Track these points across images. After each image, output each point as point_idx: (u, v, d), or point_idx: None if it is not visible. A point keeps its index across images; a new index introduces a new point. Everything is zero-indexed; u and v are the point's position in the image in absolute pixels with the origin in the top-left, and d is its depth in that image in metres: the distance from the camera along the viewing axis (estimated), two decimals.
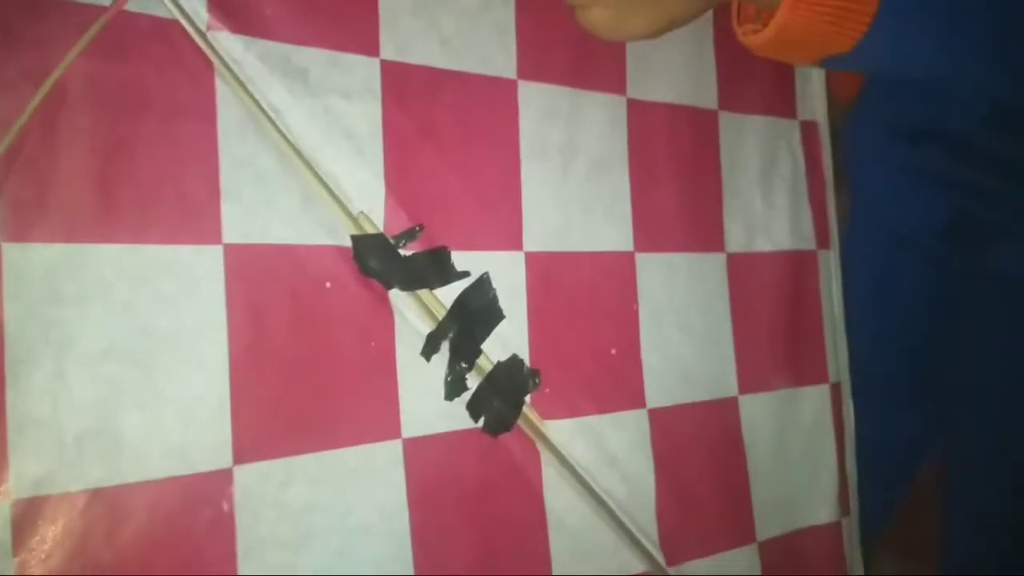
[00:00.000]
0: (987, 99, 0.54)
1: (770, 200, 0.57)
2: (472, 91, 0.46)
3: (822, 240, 0.60)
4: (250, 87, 0.39)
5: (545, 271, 0.47)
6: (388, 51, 0.43)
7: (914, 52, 0.45)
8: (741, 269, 0.56)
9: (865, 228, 0.69)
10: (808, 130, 0.60)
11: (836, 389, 0.59)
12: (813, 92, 0.60)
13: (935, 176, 0.59)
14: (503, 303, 0.46)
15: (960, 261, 0.61)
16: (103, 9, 0.36)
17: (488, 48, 0.46)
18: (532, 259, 0.47)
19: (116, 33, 0.36)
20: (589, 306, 0.49)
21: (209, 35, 0.38)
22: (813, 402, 0.58)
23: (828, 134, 0.61)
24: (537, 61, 0.48)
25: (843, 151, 0.73)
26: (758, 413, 0.55)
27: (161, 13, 0.37)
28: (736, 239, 0.56)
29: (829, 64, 0.46)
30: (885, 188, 0.64)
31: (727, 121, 0.56)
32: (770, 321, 0.57)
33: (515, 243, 0.47)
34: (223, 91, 0.38)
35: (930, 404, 0.67)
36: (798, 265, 0.58)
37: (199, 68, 0.38)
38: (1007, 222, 0.56)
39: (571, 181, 0.49)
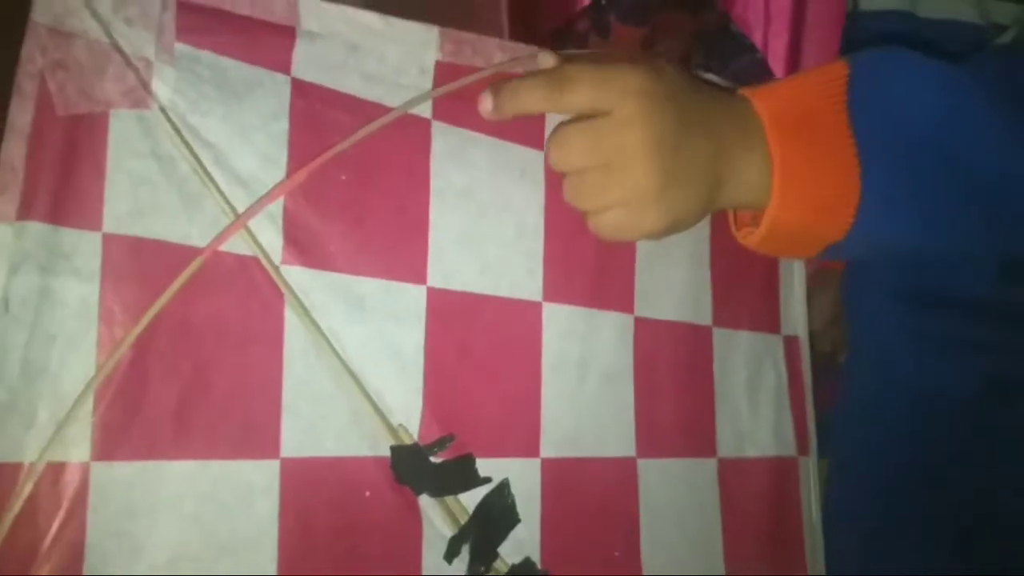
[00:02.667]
0: (994, 258, 0.58)
1: (756, 409, 0.62)
2: (503, 313, 0.50)
3: (802, 447, 0.64)
4: (314, 314, 0.43)
5: (559, 476, 0.51)
6: (435, 279, 0.48)
7: (904, 233, 0.49)
8: (731, 473, 0.59)
9: (877, 387, 0.71)
10: (790, 344, 0.65)
11: None
12: (795, 309, 0.66)
13: (959, 340, 0.61)
14: (519, 507, 0.49)
15: (999, 417, 0.62)
16: (196, 250, 0.40)
17: (519, 274, 0.51)
18: (547, 465, 0.51)
19: (206, 271, 0.40)
20: (597, 511, 0.52)
21: (282, 269, 0.43)
22: None
23: (808, 348, 0.66)
24: (560, 284, 0.53)
25: (846, 312, 0.75)
26: None
27: (243, 251, 0.42)
28: (726, 445, 0.60)
29: (829, 255, 0.51)
30: (901, 351, 0.66)
31: (720, 336, 0.61)
32: (756, 524, 0.60)
33: (533, 451, 0.50)
34: (291, 319, 0.43)
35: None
36: (781, 471, 0.62)
37: (271, 299, 0.42)
38: None
39: (585, 392, 0.53)
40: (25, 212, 0.37)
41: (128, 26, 0.40)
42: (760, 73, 1.58)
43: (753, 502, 0.60)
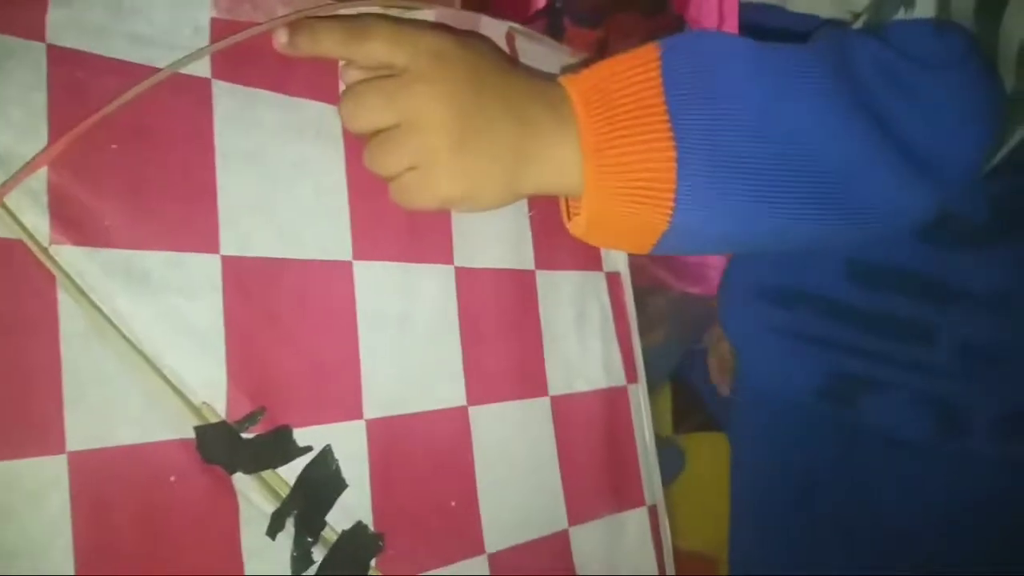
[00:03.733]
0: (843, 256, 0.58)
1: (584, 345, 0.63)
2: (310, 276, 0.48)
3: (631, 375, 0.65)
4: (92, 295, 0.40)
5: (386, 436, 0.50)
6: (228, 247, 0.45)
7: (732, 220, 0.48)
8: (563, 410, 0.60)
9: (749, 395, 0.71)
10: (613, 280, 0.66)
11: (653, 512, 0.64)
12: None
13: (807, 337, 0.62)
14: (346, 472, 0.48)
15: (839, 417, 0.63)
16: None
17: (323, 235, 0.49)
18: (373, 426, 0.49)
19: None
20: (429, 464, 0.52)
21: (51, 249, 0.39)
22: (635, 525, 0.63)
23: (630, 281, 0.67)
24: (371, 241, 0.51)
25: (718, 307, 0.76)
26: (587, 542, 0.59)
27: (3, 234, 0.38)
28: (557, 383, 0.60)
29: (665, 248, 0.50)
30: (764, 352, 0.67)
31: (543, 278, 0.61)
32: (591, 456, 0.61)
33: (356, 413, 0.49)
34: (65, 303, 0.39)
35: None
36: (612, 401, 0.64)
37: (41, 283, 0.39)
38: (873, 375, 0.60)
39: (407, 348, 0.52)
40: None
41: None
42: None
43: (587, 434, 0.61)
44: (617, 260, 0.66)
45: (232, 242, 0.45)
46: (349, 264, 0.50)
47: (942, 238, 0.54)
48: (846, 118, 0.46)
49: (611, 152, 0.46)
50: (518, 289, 0.60)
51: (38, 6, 0.40)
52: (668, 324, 1.43)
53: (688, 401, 1.31)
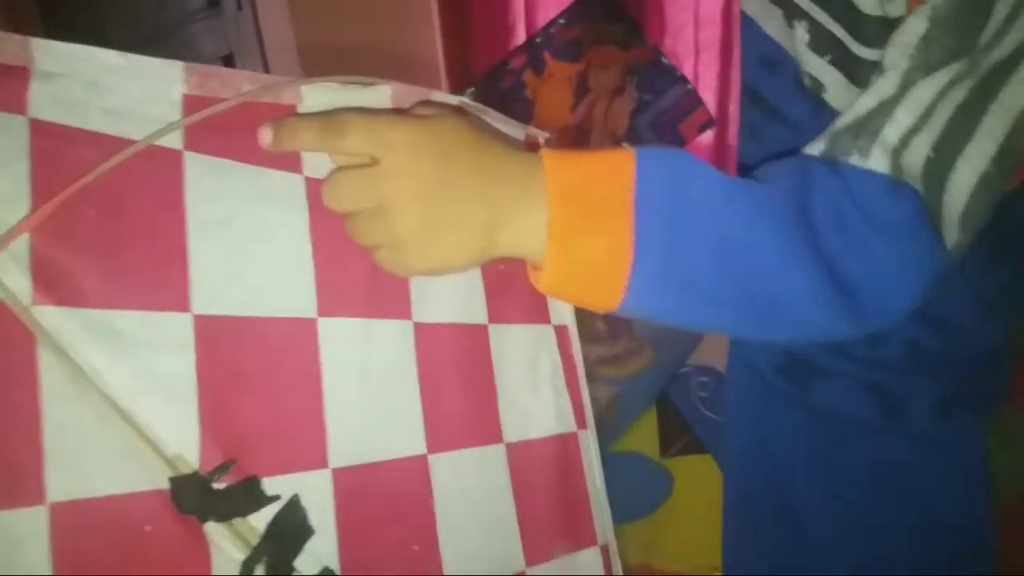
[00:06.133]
0: None
1: (536, 394, 0.65)
2: (277, 332, 0.50)
3: (580, 422, 0.68)
4: (71, 353, 0.41)
5: (351, 484, 0.51)
6: (199, 306, 0.47)
7: (673, 316, 0.54)
8: (518, 456, 0.62)
9: (735, 360, 0.74)
10: (561, 333, 0.69)
11: (605, 551, 0.66)
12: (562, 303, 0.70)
13: None
14: (313, 519, 0.49)
15: (793, 394, 0.67)
16: None
17: (289, 294, 0.51)
18: (339, 474, 0.51)
19: None
20: (392, 510, 0.53)
21: (33, 309, 0.40)
22: (588, 564, 0.65)
23: (576, 334, 0.70)
24: (334, 299, 0.53)
25: None
26: None
27: None
28: (512, 430, 0.62)
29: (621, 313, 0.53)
30: None
31: (495, 332, 0.63)
32: (546, 498, 0.63)
33: (322, 463, 0.50)
34: (46, 359, 0.40)
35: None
36: (564, 446, 0.66)
37: (21, 341, 0.40)
38: (822, 363, 0.63)
39: (369, 399, 0.54)
40: None
41: None
42: (692, 103, 1.64)
43: (541, 478, 0.63)
44: (564, 314, 0.69)
45: (203, 301, 0.47)
46: (314, 321, 0.52)
47: None
48: (798, 259, 0.50)
49: (575, 244, 0.50)
50: (472, 342, 0.62)
51: (19, 82, 0.42)
52: (653, 349, 1.44)
53: (674, 424, 1.31)
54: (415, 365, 0.57)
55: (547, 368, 0.67)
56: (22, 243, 0.41)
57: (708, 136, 1.70)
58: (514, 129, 0.69)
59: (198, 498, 0.44)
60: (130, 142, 0.46)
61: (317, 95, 0.55)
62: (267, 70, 1.76)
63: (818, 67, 0.54)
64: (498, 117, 0.66)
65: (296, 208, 0.53)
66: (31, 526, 0.38)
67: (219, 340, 0.47)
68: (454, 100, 0.64)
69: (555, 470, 0.65)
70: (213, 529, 0.45)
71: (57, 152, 0.43)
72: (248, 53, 1.63)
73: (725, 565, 0.80)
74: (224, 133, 0.50)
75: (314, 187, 0.53)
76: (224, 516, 0.45)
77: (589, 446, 0.68)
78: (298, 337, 0.51)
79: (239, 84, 0.51)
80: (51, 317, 0.41)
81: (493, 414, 0.62)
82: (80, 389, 0.41)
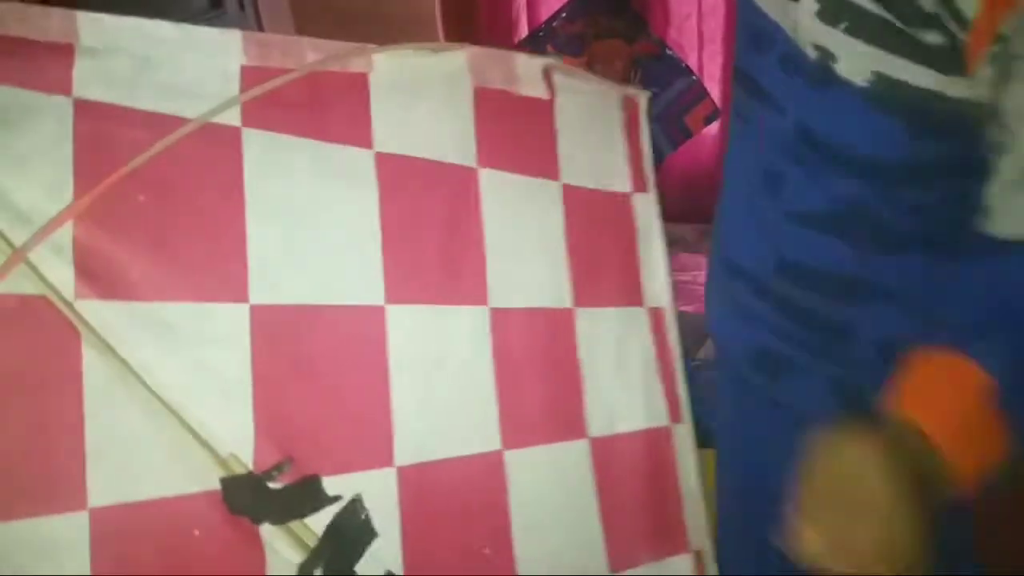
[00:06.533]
0: (774, 251, 0.57)
1: (626, 383, 0.60)
2: (341, 322, 0.47)
3: (674, 415, 0.62)
4: (118, 349, 0.39)
5: (418, 483, 0.48)
6: (258, 296, 0.44)
7: None
8: (603, 452, 0.57)
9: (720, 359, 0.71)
10: (655, 316, 0.63)
11: (699, 556, 0.60)
12: (657, 281, 0.64)
13: (744, 308, 0.62)
14: (376, 521, 0.46)
15: (766, 388, 0.63)
16: None
17: (355, 280, 0.48)
18: (404, 473, 0.47)
19: None
20: (462, 510, 0.50)
21: (77, 304, 0.38)
22: (680, 571, 0.59)
23: (675, 317, 0.64)
24: (403, 285, 0.49)
25: None
26: None
27: (28, 290, 0.37)
28: (597, 424, 0.58)
29: None
30: (719, 315, 0.67)
31: (583, 317, 0.58)
32: (632, 499, 0.58)
33: (386, 460, 0.47)
34: (90, 357, 0.38)
35: None
36: (655, 442, 0.60)
37: (65, 338, 0.38)
38: (792, 357, 0.59)
39: (440, 392, 0.50)
40: None
41: None
42: (697, 95, 1.59)
43: (629, 477, 0.58)
44: (660, 295, 0.63)
45: (262, 291, 0.44)
46: (381, 309, 0.48)
47: (866, 242, 0.54)
48: None
49: None
50: (555, 328, 0.57)
51: (64, 60, 0.40)
52: None
53: None
54: (490, 355, 0.53)
55: (638, 355, 0.61)
56: (64, 233, 0.38)
57: (714, 127, 1.62)
58: (609, 89, 0.63)
59: (252, 499, 0.42)
60: (183, 120, 0.43)
61: (389, 62, 0.51)
62: None
63: (828, 37, 0.48)
64: (589, 78, 0.60)
65: (365, 186, 0.49)
66: (71, 532, 0.36)
67: (277, 331, 0.44)
68: (540, 63, 0.58)
69: (645, 467, 0.60)
70: (268, 531, 0.42)
71: (104, 134, 0.40)
72: None
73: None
74: (285, 107, 0.46)
75: (384, 163, 0.49)
76: (280, 518, 0.43)
77: (685, 441, 0.62)
78: (364, 326, 0.48)
79: (303, 53, 0.47)
80: (96, 311, 0.39)
81: (577, 406, 0.57)
82: (127, 387, 0.39)
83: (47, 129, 0.39)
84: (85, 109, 0.40)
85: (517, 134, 0.57)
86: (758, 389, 0.63)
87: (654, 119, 1.59)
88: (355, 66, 0.49)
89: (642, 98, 0.63)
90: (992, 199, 0.47)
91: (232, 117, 0.45)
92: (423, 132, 0.52)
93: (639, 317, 0.62)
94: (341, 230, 0.48)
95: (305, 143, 0.47)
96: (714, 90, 1.67)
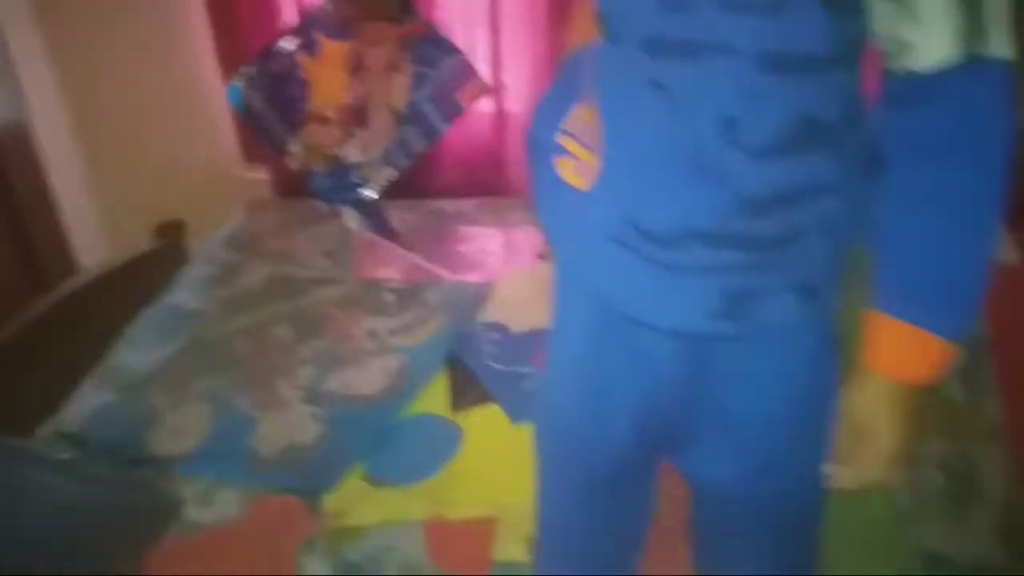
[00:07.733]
0: (730, 194, 0.60)
1: None
2: None
3: None
4: None
5: None
6: None
7: None
8: None
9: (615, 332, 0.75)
10: None
11: None
12: None
13: (704, 268, 0.64)
14: None
15: (697, 352, 0.69)
16: None
17: None
18: None
19: None
20: None
21: None
22: None
23: None
24: None
25: None
26: None
27: None
28: None
29: None
30: (640, 288, 0.70)
31: None
32: None
33: None
34: None
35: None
36: None
37: None
38: (763, 283, 0.64)
39: None
40: None
41: None
42: (467, 73, 1.59)
43: None
44: None
45: None
46: None
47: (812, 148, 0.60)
48: None
49: None
50: None
51: None
52: (443, 313, 1.45)
53: (464, 380, 1.37)
54: None
55: None
56: None
57: (487, 103, 1.70)
58: None
59: None
60: None
61: None
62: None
63: None
64: None
65: None
66: None
67: None
68: None
69: None
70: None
71: None
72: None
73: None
74: None
75: None
76: None
77: None
78: None
79: None
80: None
81: None
82: None
83: None
84: None
85: None
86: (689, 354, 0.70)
87: (427, 99, 1.61)
88: None
89: None
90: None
91: None
92: None
93: None
94: None
95: None
96: (483, 69, 1.73)
